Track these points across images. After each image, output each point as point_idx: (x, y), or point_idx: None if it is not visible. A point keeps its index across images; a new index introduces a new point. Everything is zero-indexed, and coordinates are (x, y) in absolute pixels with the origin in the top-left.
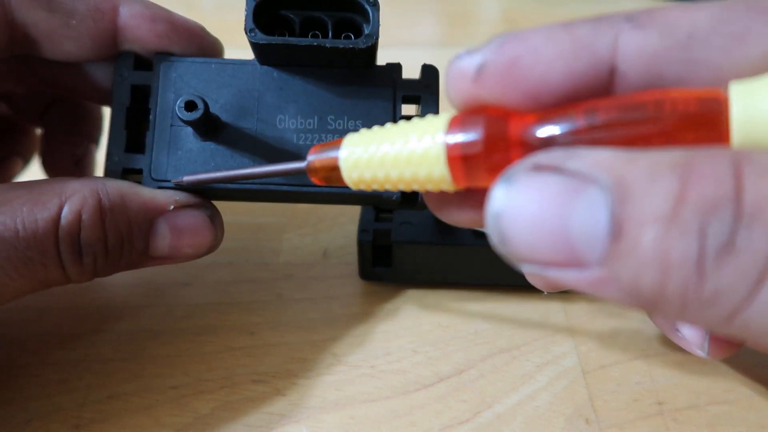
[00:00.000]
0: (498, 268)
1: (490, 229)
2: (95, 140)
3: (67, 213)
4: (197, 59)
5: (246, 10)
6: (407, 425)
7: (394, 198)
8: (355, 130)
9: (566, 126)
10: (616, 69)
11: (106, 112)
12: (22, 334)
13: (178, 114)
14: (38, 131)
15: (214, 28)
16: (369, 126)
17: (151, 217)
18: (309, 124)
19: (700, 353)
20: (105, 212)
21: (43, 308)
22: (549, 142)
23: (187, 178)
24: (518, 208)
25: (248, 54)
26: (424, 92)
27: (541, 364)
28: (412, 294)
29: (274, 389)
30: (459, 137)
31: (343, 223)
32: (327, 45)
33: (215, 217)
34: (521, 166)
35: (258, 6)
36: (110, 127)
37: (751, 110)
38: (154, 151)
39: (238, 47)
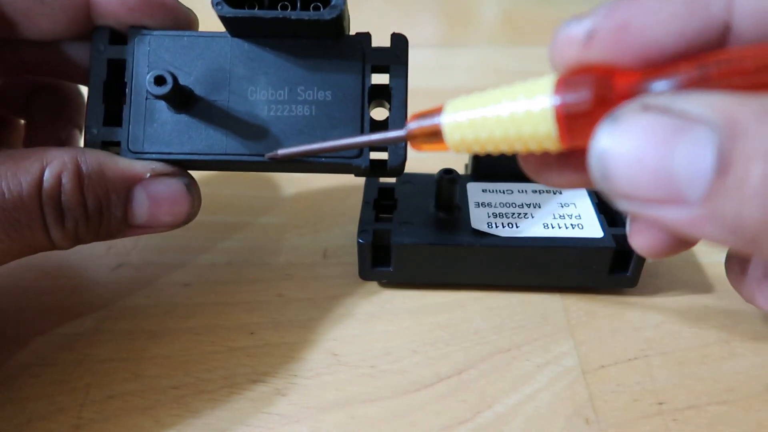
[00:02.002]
0: (497, 268)
1: (593, 166)
2: (77, 125)
3: (48, 176)
4: (170, 32)
5: None
6: (407, 425)
7: (363, 166)
8: (325, 100)
9: (678, 77)
10: (730, 27)
11: (86, 93)
12: (22, 334)
13: (148, 89)
14: (21, 121)
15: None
16: (339, 96)
17: (128, 184)
18: (279, 95)
19: None
20: (83, 177)
21: (42, 308)
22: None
23: (282, 152)
24: (623, 146)
25: None
26: (393, 62)
27: (541, 364)
28: (412, 294)
29: (274, 389)
30: (568, 95)
31: (343, 223)
32: (292, 17)
33: (192, 186)
34: (628, 106)
35: None
36: (88, 102)
37: None
38: (130, 124)
39: None
